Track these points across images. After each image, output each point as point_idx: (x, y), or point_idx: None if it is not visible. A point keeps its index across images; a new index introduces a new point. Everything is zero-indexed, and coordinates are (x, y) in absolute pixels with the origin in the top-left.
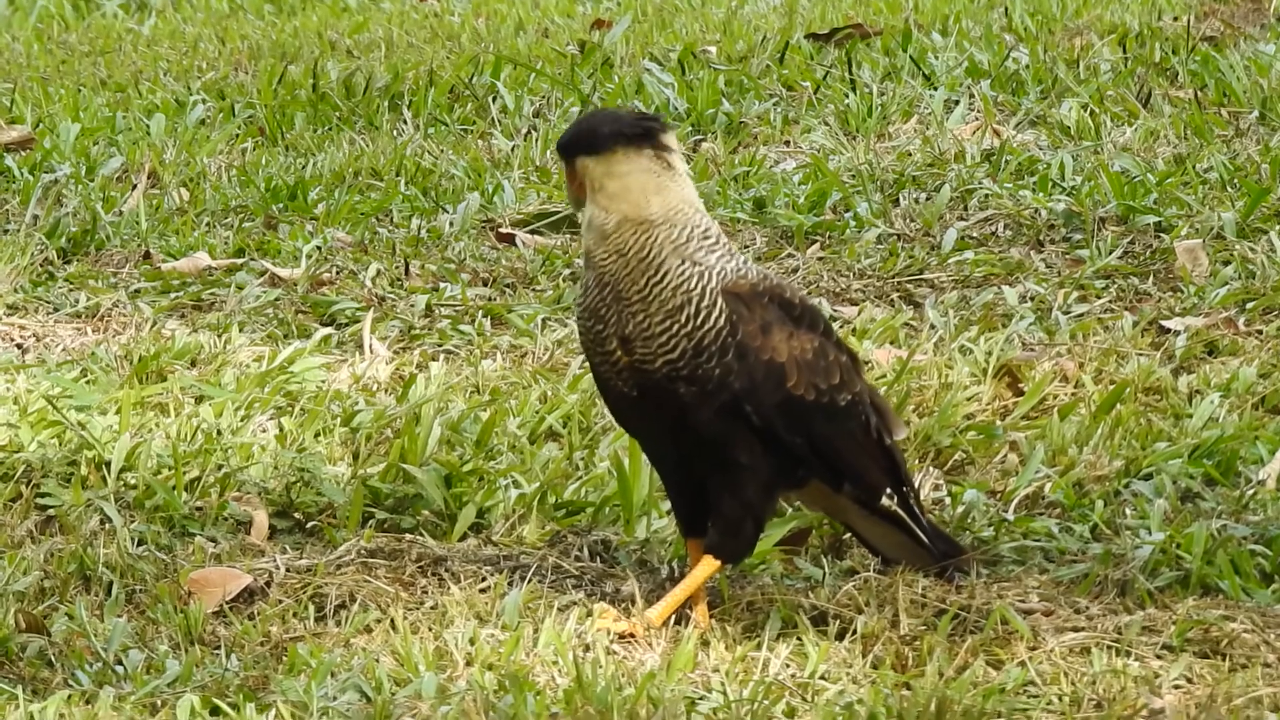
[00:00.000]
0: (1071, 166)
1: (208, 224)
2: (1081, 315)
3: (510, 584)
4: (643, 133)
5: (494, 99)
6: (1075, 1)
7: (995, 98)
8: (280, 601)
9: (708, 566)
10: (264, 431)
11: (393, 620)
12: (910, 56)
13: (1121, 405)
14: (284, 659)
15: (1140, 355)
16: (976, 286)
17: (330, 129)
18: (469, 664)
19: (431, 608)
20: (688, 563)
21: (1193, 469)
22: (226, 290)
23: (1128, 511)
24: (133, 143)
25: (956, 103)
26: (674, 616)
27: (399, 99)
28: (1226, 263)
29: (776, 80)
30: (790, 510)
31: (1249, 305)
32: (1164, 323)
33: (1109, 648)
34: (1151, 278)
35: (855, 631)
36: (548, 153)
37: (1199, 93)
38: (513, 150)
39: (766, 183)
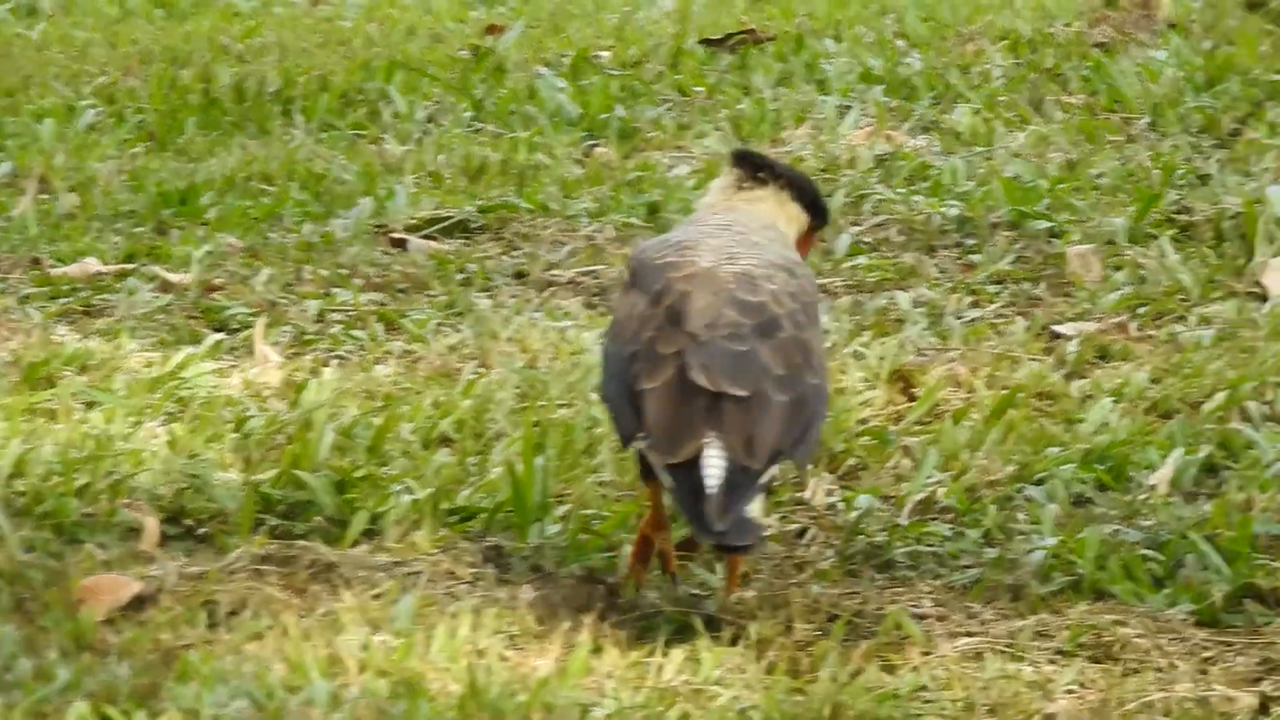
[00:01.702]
0: (964, 172)
1: (98, 229)
2: (974, 320)
3: (403, 590)
4: None
5: (386, 104)
6: (967, 7)
7: (888, 103)
8: (171, 608)
9: None
10: (155, 438)
11: (284, 627)
12: (803, 62)
13: (1014, 410)
14: (175, 666)
15: (1032, 360)
16: (869, 292)
17: (222, 134)
18: (361, 671)
19: (324, 614)
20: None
21: (1085, 474)
22: (117, 295)
23: (1020, 516)
24: (22, 148)
25: (849, 108)
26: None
27: (291, 104)
28: (1118, 268)
29: (670, 85)
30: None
31: (1141, 310)
32: (1056, 328)
33: (1002, 653)
34: (1044, 283)
35: (749, 637)
36: (440, 157)
37: (1091, 99)
38: (405, 155)
39: (660, 188)
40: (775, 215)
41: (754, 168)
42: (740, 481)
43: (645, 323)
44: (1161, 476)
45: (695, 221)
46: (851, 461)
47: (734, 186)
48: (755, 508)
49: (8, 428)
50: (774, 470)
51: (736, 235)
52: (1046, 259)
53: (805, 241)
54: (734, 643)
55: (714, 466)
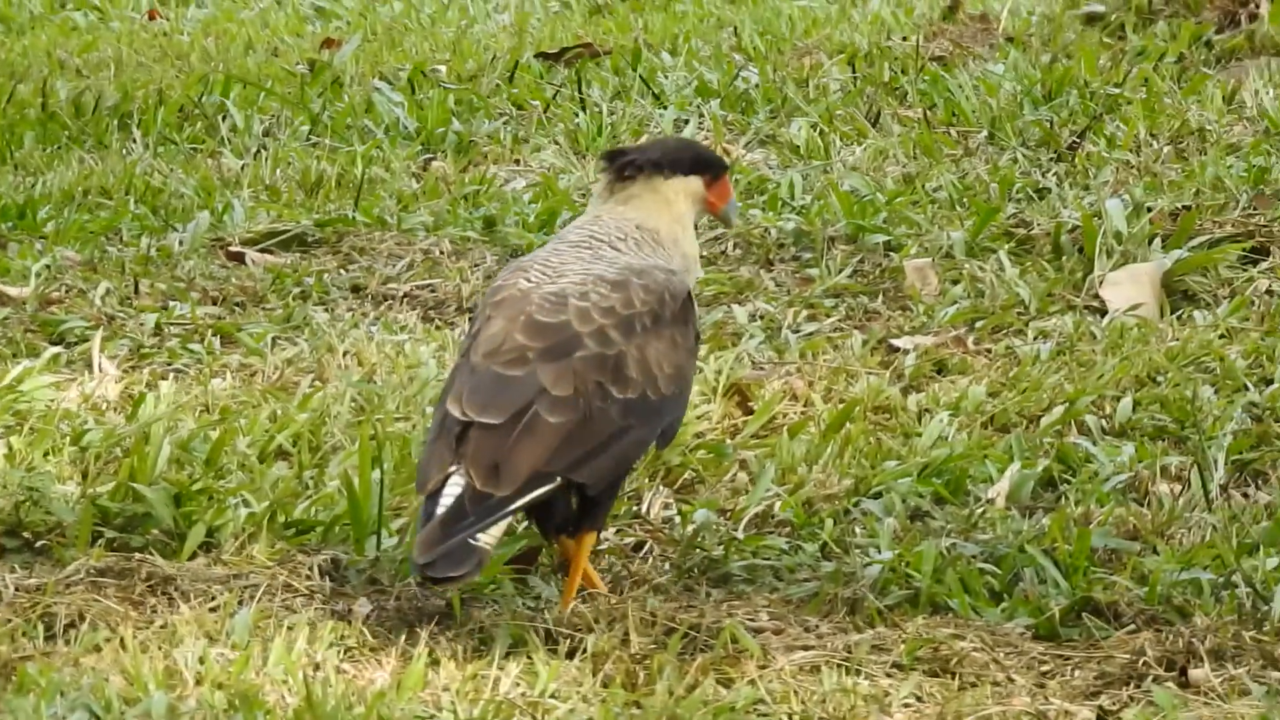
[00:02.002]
0: (801, 185)
1: None
2: (811, 334)
3: (240, 603)
4: None
5: (223, 118)
6: (804, 22)
7: (725, 117)
8: (9, 621)
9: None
10: None
11: (122, 639)
12: (640, 76)
13: (851, 424)
14: (13, 678)
15: (870, 374)
16: (706, 305)
17: (59, 148)
18: (199, 683)
19: (161, 627)
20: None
21: (922, 488)
22: None
23: (857, 530)
24: None
25: (686, 122)
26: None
27: (128, 118)
28: (955, 281)
29: (506, 99)
30: (521, 529)
31: (978, 324)
32: (893, 341)
33: (839, 666)
34: (881, 296)
35: (585, 650)
36: (277, 171)
37: (928, 112)
38: (242, 169)
39: (497, 201)
40: (654, 208)
41: (620, 168)
42: (471, 509)
43: (461, 350)
44: (999, 490)
45: (559, 236)
46: (688, 475)
47: (607, 190)
48: (492, 534)
49: None
50: (539, 492)
51: (586, 248)
52: (884, 273)
53: (717, 195)
54: (571, 656)
55: (446, 496)
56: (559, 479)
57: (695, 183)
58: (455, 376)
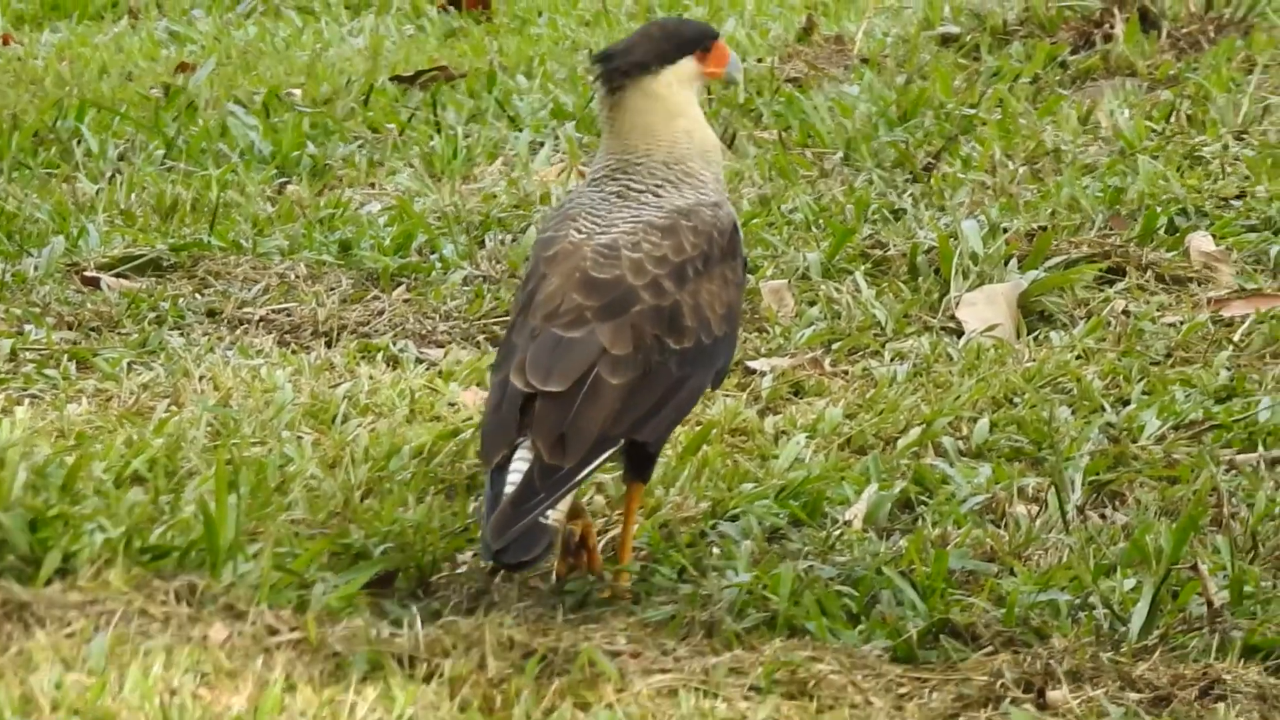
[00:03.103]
0: None
1: None
2: None
3: (96, 629)
4: None
5: (78, 143)
6: None
7: (580, 139)
8: None
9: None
10: None
11: None
12: (495, 99)
13: (708, 446)
14: None
15: (726, 396)
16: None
17: None
18: (54, 709)
19: (17, 653)
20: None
21: (779, 510)
22: None
23: (714, 552)
24: None
25: (541, 144)
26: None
27: None
28: (812, 303)
29: (361, 123)
30: (378, 554)
31: (834, 346)
32: (750, 363)
33: (696, 689)
34: None
35: (443, 674)
36: (132, 195)
37: (783, 134)
38: (97, 194)
39: (352, 225)
40: (662, 113)
41: (608, 78)
42: (540, 486)
43: (517, 307)
44: (856, 512)
45: (594, 170)
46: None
47: (607, 107)
48: (560, 509)
49: None
50: (605, 456)
51: (630, 186)
52: None
53: (715, 63)
54: (428, 680)
55: (514, 472)
56: (622, 440)
57: (687, 65)
58: (512, 340)
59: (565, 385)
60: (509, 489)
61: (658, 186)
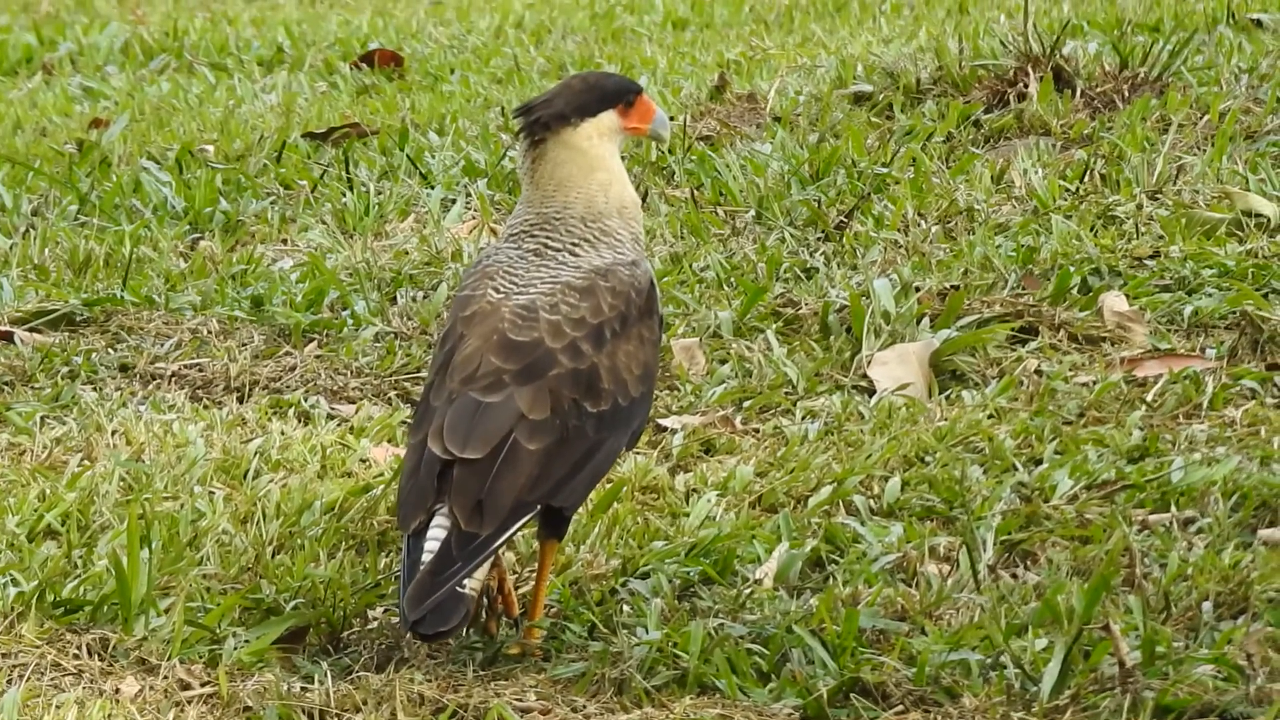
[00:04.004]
0: None
1: None
2: None
3: (9, 681)
4: None
5: None
6: None
7: (492, 196)
8: None
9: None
10: None
11: None
12: (407, 155)
13: (619, 504)
14: None
15: (638, 454)
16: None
17: None
18: None
19: None
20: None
21: (690, 567)
22: None
23: (625, 610)
24: None
25: (454, 201)
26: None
27: None
28: (723, 361)
29: (274, 179)
30: (289, 609)
31: (745, 404)
32: (661, 421)
33: None
34: None
35: None
36: (46, 250)
37: (695, 192)
38: (11, 248)
39: (264, 281)
40: (574, 164)
41: (528, 130)
42: (459, 555)
43: (434, 367)
44: (766, 570)
45: (510, 230)
46: None
47: (528, 157)
48: (477, 578)
49: None
50: (521, 523)
51: (548, 244)
52: None
53: (639, 118)
54: None
55: (431, 540)
56: (539, 506)
57: (608, 118)
58: (430, 402)
59: (483, 452)
60: (426, 557)
61: (574, 245)
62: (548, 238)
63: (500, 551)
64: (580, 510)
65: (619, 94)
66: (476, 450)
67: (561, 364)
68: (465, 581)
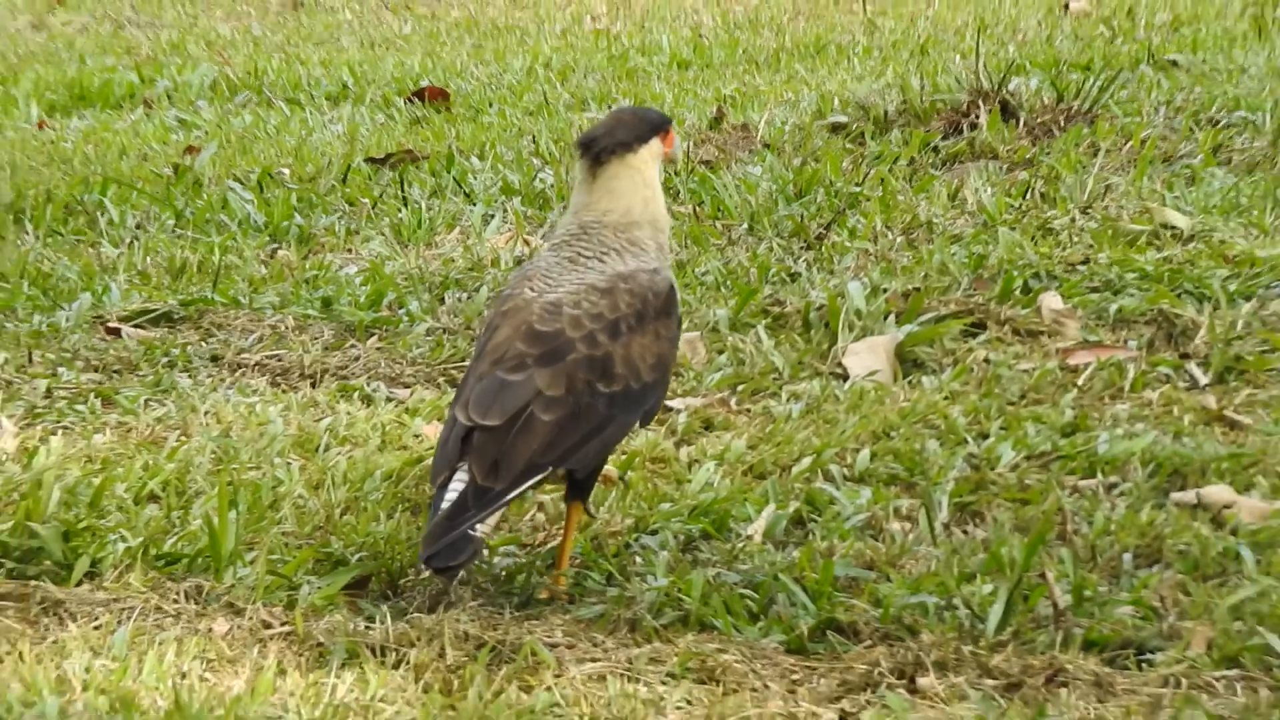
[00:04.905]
0: None
1: None
2: None
3: (119, 622)
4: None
5: (102, 213)
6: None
7: (525, 212)
8: None
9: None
10: None
11: (20, 653)
12: (453, 177)
13: (632, 472)
14: None
15: (649, 431)
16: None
17: None
18: (85, 689)
19: (53, 643)
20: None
21: (692, 525)
22: None
23: (637, 561)
24: None
25: (493, 216)
26: (257, 648)
27: (21, 214)
28: (721, 352)
29: (340, 197)
30: (354, 560)
31: (739, 388)
32: (668, 402)
33: (622, 675)
34: None
35: (409, 662)
36: (148, 258)
37: (697, 208)
38: (118, 257)
39: (333, 284)
40: (630, 183)
41: (593, 156)
42: (473, 503)
43: (474, 353)
44: (757, 528)
45: (556, 235)
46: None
47: (590, 175)
48: (488, 524)
49: None
50: (532, 482)
51: (581, 253)
52: None
53: (669, 144)
54: (396, 667)
55: (450, 491)
56: (550, 468)
57: (655, 144)
58: (466, 382)
59: (501, 420)
60: (445, 505)
61: (604, 253)
62: (583, 246)
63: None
64: (608, 482)
65: (662, 124)
66: (496, 419)
67: (579, 350)
68: (477, 526)
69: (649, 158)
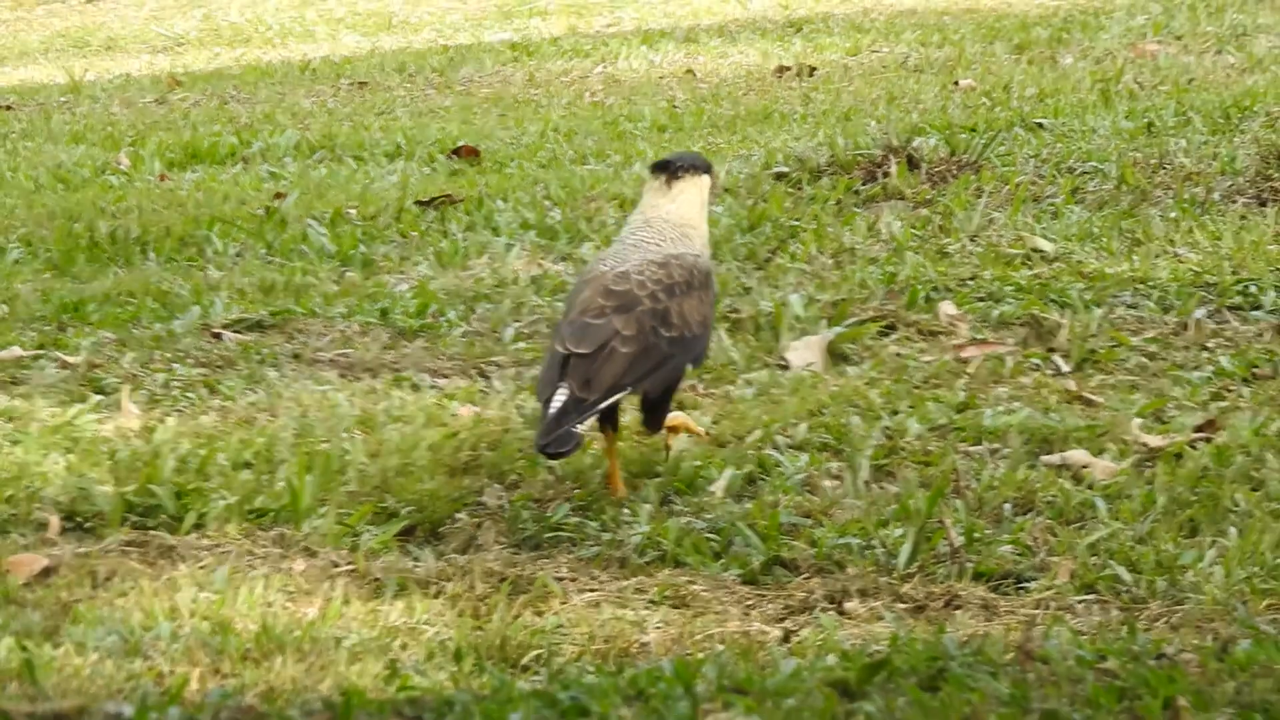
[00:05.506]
0: None
1: (20, 327)
2: None
3: (219, 564)
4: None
5: (208, 245)
6: (591, 179)
7: (539, 242)
8: (68, 577)
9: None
10: (57, 464)
11: (141, 588)
12: (483, 216)
13: (623, 443)
14: (70, 614)
15: (635, 411)
16: (526, 365)
17: (101, 265)
18: (192, 616)
19: (167, 580)
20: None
21: (668, 485)
22: (32, 371)
23: (625, 512)
24: None
25: (513, 245)
26: (327, 582)
27: (146, 245)
28: None
29: (395, 231)
30: (404, 513)
31: (705, 377)
32: None
33: (613, 603)
34: None
35: (446, 593)
36: (245, 279)
37: None
38: (221, 278)
39: (389, 298)
40: (693, 198)
41: (671, 172)
42: (573, 408)
43: (565, 311)
44: (719, 485)
45: (628, 225)
46: (514, 477)
47: (666, 185)
48: (586, 424)
49: None
50: (617, 397)
51: (644, 240)
52: None
53: (714, 182)
54: (436, 597)
55: (556, 401)
56: (629, 388)
57: (708, 179)
58: (559, 328)
59: (591, 349)
60: (553, 410)
61: (661, 241)
62: (645, 236)
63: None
64: (597, 449)
65: (711, 167)
66: (587, 348)
67: (644, 304)
68: (577, 426)
69: (704, 185)
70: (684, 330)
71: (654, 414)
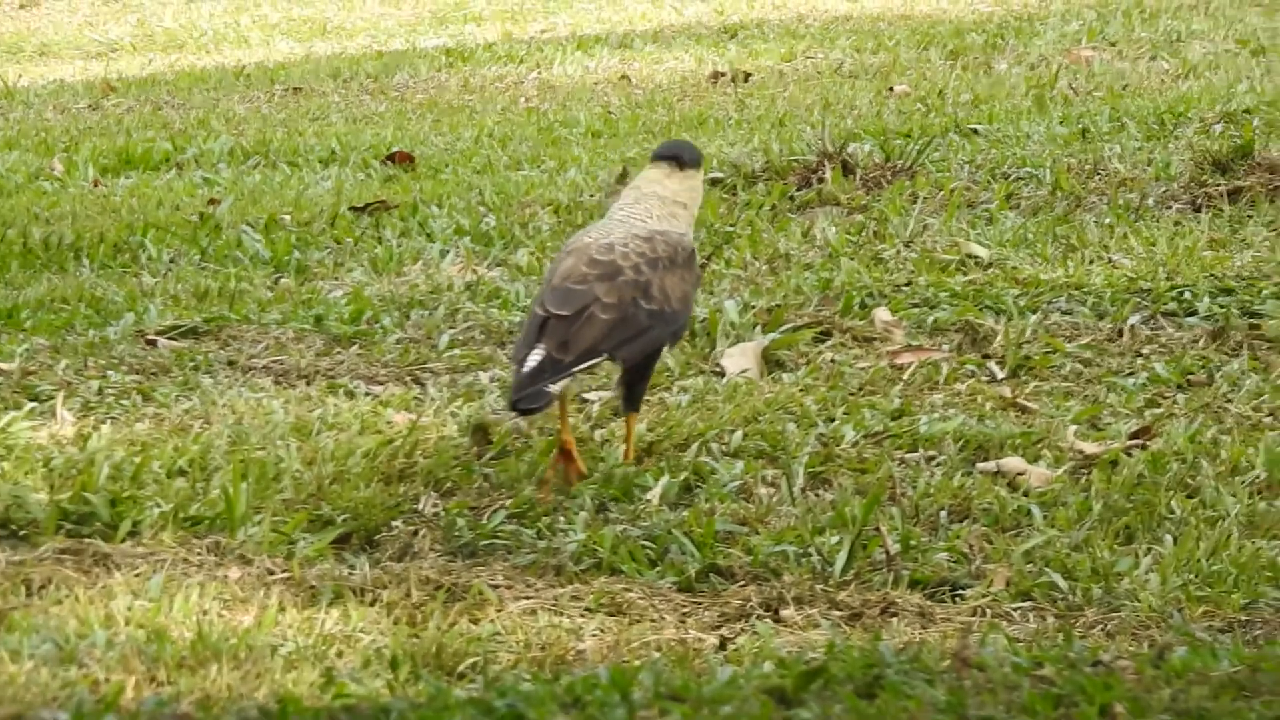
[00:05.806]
0: (524, 293)
1: None
2: None
3: (154, 571)
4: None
5: (142, 251)
6: (526, 185)
7: (474, 248)
8: (2, 584)
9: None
10: None
11: (76, 596)
12: (417, 222)
13: (557, 449)
14: (4, 622)
15: (570, 418)
16: (462, 372)
17: (35, 271)
18: (127, 624)
19: (102, 588)
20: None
21: (605, 492)
22: None
23: (561, 520)
24: None
25: (448, 251)
26: (262, 590)
27: (80, 251)
28: None
29: (330, 237)
30: (340, 520)
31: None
32: (584, 395)
33: (549, 610)
34: None
35: (382, 601)
36: (179, 285)
37: None
38: (156, 284)
39: (323, 305)
40: (693, 186)
41: (682, 162)
42: (548, 368)
43: (545, 280)
44: (655, 493)
45: (619, 201)
46: (449, 485)
47: (676, 170)
48: (559, 385)
49: None
50: (592, 361)
51: (632, 215)
52: None
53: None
54: (372, 605)
55: (532, 360)
56: (605, 354)
57: (700, 173)
58: (541, 294)
59: (570, 312)
60: (528, 368)
61: (648, 217)
62: (633, 211)
63: (571, 427)
64: (531, 455)
65: (700, 163)
66: (566, 310)
67: (626, 274)
68: (550, 386)
69: (701, 178)
70: (664, 305)
71: (632, 391)
